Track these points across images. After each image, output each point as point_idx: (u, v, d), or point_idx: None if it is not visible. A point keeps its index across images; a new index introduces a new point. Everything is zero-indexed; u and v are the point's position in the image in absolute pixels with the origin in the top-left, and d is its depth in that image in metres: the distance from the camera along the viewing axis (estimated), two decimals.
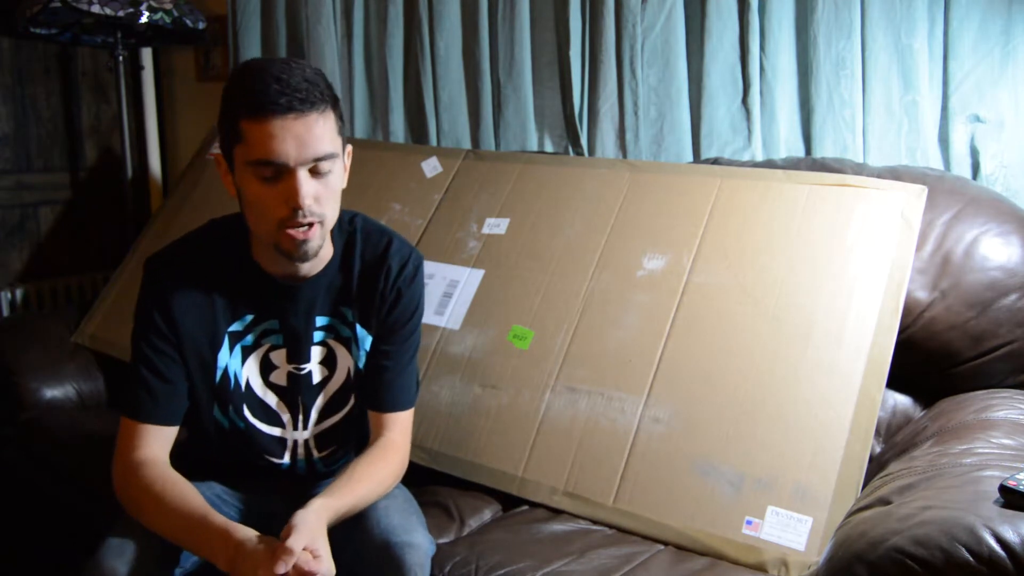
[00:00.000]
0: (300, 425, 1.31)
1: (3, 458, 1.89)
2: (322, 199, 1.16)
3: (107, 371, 2.06)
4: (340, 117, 1.20)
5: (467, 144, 2.23)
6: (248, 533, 1.07)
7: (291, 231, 1.15)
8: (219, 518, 1.10)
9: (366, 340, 1.31)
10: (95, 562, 1.12)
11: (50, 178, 2.69)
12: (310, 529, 1.05)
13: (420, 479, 1.41)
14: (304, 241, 1.17)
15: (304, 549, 1.03)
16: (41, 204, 2.67)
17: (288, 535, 1.04)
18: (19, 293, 2.54)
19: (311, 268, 1.27)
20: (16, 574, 1.93)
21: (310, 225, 1.16)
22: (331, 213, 1.20)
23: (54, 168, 2.70)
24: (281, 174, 1.13)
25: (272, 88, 1.11)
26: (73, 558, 1.15)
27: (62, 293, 2.65)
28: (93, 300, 2.20)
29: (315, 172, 1.15)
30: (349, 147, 1.26)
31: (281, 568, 1.00)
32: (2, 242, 2.58)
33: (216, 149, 2.25)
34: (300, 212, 1.14)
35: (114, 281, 2.17)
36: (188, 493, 1.15)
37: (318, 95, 1.13)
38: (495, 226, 1.81)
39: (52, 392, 1.98)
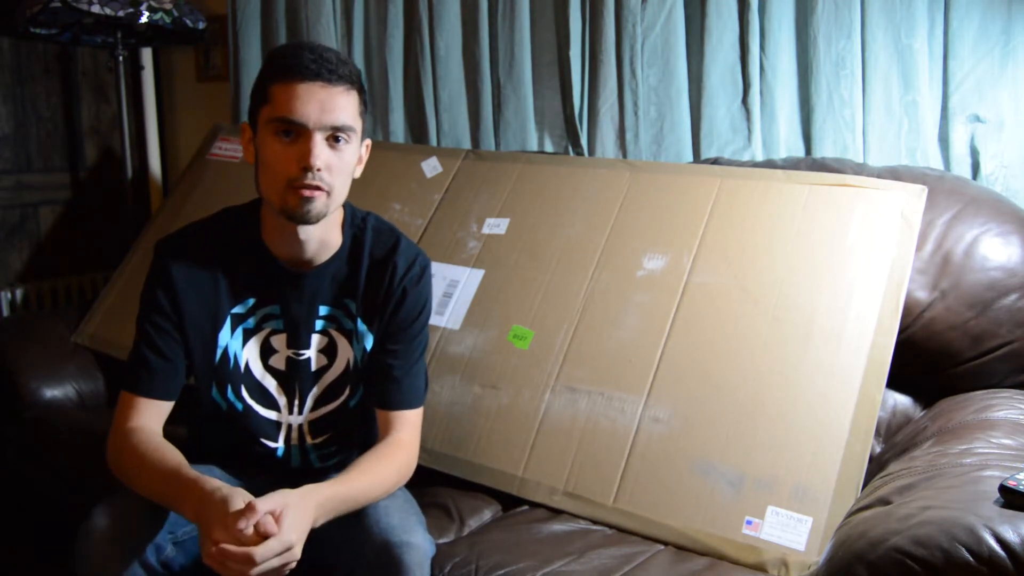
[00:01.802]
0: (295, 410, 1.33)
1: (3, 458, 1.89)
2: (334, 170, 1.20)
3: (107, 371, 2.06)
4: (364, 103, 1.26)
5: (467, 144, 2.23)
6: (215, 484, 1.08)
7: (298, 190, 1.19)
8: (191, 472, 1.12)
9: (366, 336, 1.32)
10: (86, 523, 1.14)
11: (50, 178, 2.69)
12: (283, 497, 1.06)
13: (420, 479, 1.41)
14: (309, 199, 1.19)
15: (269, 514, 1.04)
16: (41, 204, 2.67)
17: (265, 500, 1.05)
18: (19, 293, 2.54)
19: (317, 255, 1.29)
20: (16, 574, 1.93)
21: (317, 188, 1.19)
22: (340, 188, 1.23)
23: (54, 168, 2.70)
24: (299, 135, 1.18)
25: (305, 56, 1.19)
26: (73, 558, 1.15)
27: (62, 293, 2.65)
28: (93, 300, 2.20)
29: (331, 141, 1.20)
30: (368, 141, 1.31)
31: (242, 524, 1.02)
32: (2, 242, 2.58)
33: (218, 148, 2.28)
34: (310, 173, 1.18)
35: (114, 281, 2.17)
36: (169, 452, 1.17)
37: (346, 72, 1.21)
38: (495, 226, 1.81)
39: (52, 392, 1.98)
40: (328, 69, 1.18)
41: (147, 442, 1.20)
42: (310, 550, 1.08)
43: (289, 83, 1.18)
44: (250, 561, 1.00)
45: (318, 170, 1.18)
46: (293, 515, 1.05)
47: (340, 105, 1.19)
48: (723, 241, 1.59)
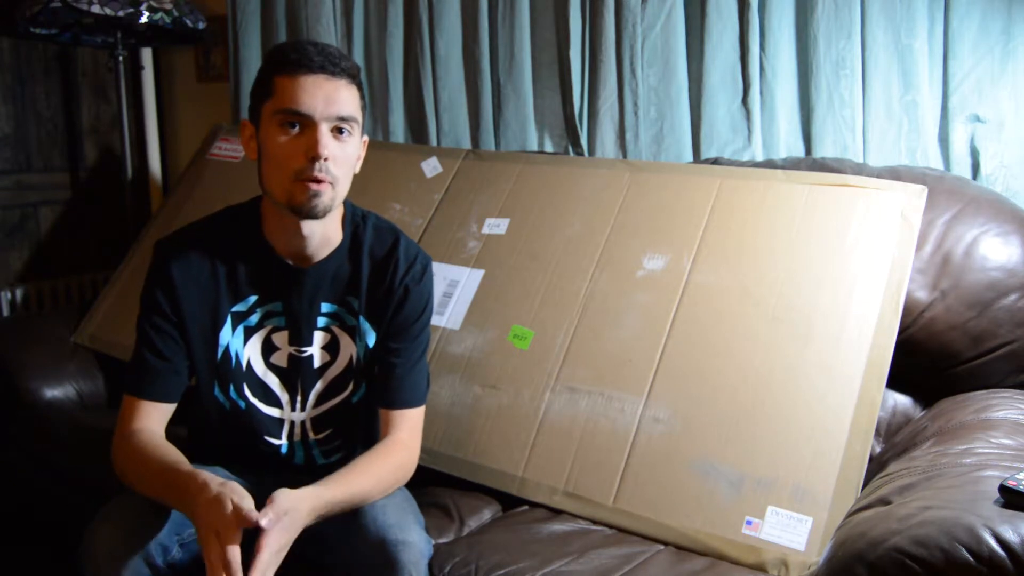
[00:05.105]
0: (298, 407, 1.33)
1: (3, 458, 1.89)
2: (339, 161, 1.22)
3: (107, 371, 2.06)
4: (363, 99, 1.27)
5: (467, 144, 2.23)
6: (207, 476, 1.08)
7: (305, 182, 1.20)
8: (187, 467, 1.12)
9: (368, 334, 1.33)
10: (92, 525, 1.15)
11: (50, 178, 2.69)
12: (284, 510, 1.06)
13: (420, 479, 1.41)
14: (316, 194, 1.20)
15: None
16: (41, 204, 2.67)
17: (266, 506, 1.06)
18: (19, 293, 2.54)
19: (319, 250, 1.30)
20: (16, 574, 1.93)
21: (324, 181, 1.20)
22: (344, 180, 1.25)
23: (54, 168, 2.70)
24: (305, 126, 1.20)
25: (309, 50, 1.21)
26: (73, 558, 1.15)
27: (62, 293, 2.65)
28: (93, 300, 2.20)
29: (336, 133, 1.21)
30: (366, 138, 1.32)
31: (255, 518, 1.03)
32: (2, 242, 2.58)
33: (218, 148, 2.28)
34: (317, 164, 1.19)
35: (114, 281, 2.17)
36: (169, 451, 1.18)
37: (348, 67, 1.23)
38: (495, 226, 1.81)
39: (52, 392, 1.98)
40: (332, 62, 1.20)
41: (147, 443, 1.20)
42: (306, 547, 1.08)
43: (294, 75, 1.19)
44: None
45: (325, 160, 1.19)
46: (291, 528, 1.07)
47: (344, 97, 1.21)
48: (723, 241, 1.59)
